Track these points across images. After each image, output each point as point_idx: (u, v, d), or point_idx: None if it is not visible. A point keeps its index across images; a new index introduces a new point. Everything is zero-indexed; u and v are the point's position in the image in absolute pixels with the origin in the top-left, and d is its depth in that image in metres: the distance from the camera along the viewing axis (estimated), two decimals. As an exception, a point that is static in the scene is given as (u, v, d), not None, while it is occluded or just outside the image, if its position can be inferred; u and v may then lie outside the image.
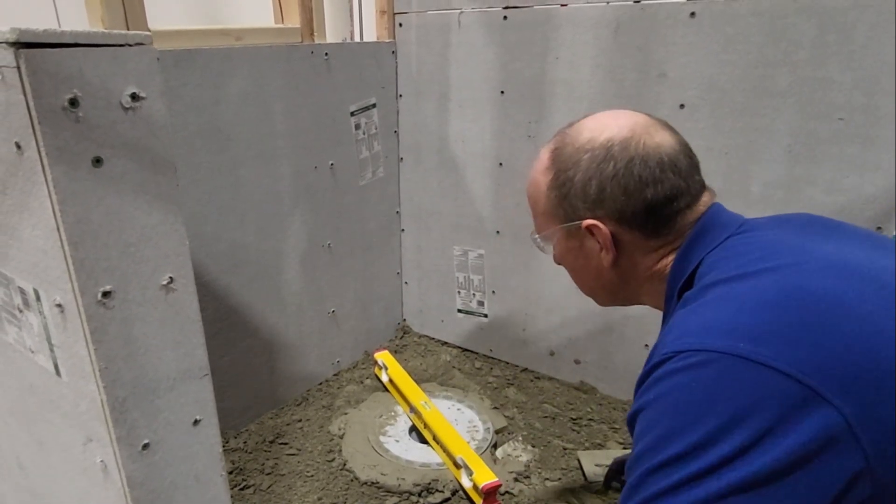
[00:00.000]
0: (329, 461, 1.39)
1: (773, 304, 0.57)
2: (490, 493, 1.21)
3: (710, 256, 0.70)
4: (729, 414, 0.53)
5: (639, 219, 0.74)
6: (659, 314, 0.86)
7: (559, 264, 0.88)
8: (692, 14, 1.25)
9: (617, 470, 1.24)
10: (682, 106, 1.32)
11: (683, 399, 0.56)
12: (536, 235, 0.86)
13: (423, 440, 1.45)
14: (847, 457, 0.51)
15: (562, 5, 1.40)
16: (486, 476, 1.22)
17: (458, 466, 1.29)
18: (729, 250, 0.69)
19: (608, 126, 0.76)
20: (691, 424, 0.54)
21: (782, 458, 0.51)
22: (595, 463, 1.34)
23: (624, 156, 0.73)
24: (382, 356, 1.71)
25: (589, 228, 0.76)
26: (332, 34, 1.94)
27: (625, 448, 1.41)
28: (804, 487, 0.51)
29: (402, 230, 1.90)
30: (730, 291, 0.61)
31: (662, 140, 0.74)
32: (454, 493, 1.28)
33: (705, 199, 0.76)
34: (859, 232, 0.73)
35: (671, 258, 0.75)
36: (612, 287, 0.83)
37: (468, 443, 1.41)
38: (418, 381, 1.69)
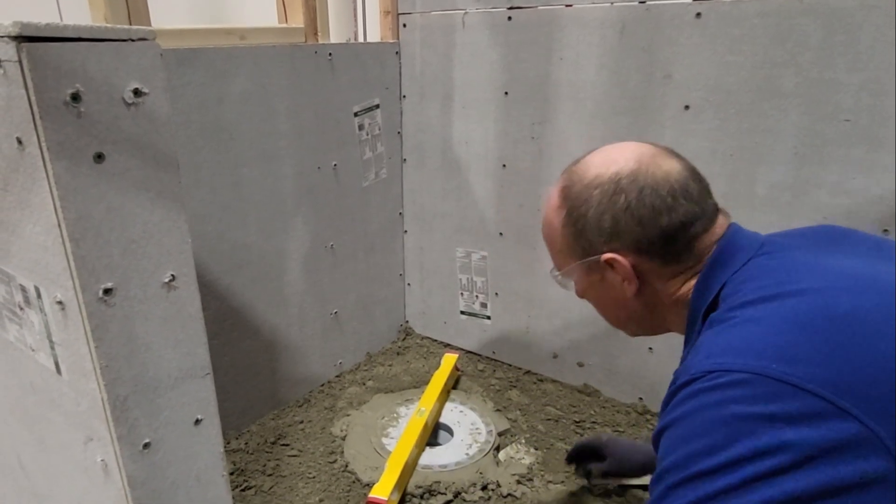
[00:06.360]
0: (331, 463, 1.39)
1: (801, 325, 0.58)
2: None
3: (734, 279, 0.70)
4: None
5: (656, 247, 0.74)
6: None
7: (583, 298, 0.88)
8: (698, 15, 1.24)
9: (581, 455, 1.26)
10: (686, 107, 1.31)
11: (713, 418, 0.56)
12: (557, 273, 0.86)
13: (428, 443, 1.44)
14: (873, 460, 0.51)
15: (566, 6, 1.39)
16: (378, 490, 1.20)
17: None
18: (752, 272, 0.69)
19: (614, 160, 0.76)
20: (724, 443, 0.54)
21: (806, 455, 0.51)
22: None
23: (634, 187, 0.73)
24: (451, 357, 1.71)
25: (608, 262, 0.76)
26: (335, 34, 1.94)
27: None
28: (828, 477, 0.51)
29: (405, 231, 1.90)
30: (757, 313, 0.62)
31: (670, 168, 0.74)
32: (456, 495, 1.27)
33: (721, 222, 0.76)
34: (879, 243, 0.73)
35: (693, 282, 0.75)
36: (638, 317, 0.83)
37: (469, 445, 1.41)
38: (420, 384, 1.68)
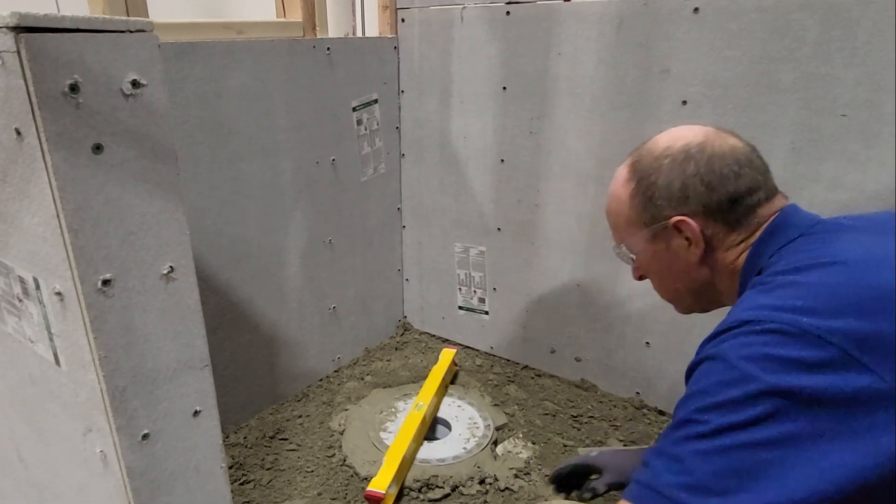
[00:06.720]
0: (329, 457, 1.39)
1: (832, 290, 0.64)
2: (370, 500, 1.21)
3: (780, 252, 0.75)
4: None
5: (723, 211, 0.79)
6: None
7: (640, 278, 0.93)
8: (696, 10, 1.25)
9: (571, 478, 1.12)
10: (684, 102, 1.31)
11: (743, 355, 0.62)
12: (622, 244, 0.90)
13: (426, 437, 1.44)
14: (885, 412, 0.56)
15: (564, 0, 1.39)
16: (376, 483, 1.21)
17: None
18: (797, 247, 0.75)
19: (683, 135, 0.82)
20: (750, 377, 0.60)
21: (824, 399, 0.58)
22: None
23: (703, 156, 0.79)
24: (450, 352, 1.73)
25: (677, 225, 0.81)
26: (333, 29, 1.94)
27: (625, 445, 1.41)
28: (848, 430, 0.57)
29: (404, 227, 1.90)
30: (793, 278, 0.69)
31: (735, 143, 0.81)
32: (454, 489, 1.28)
33: (780, 199, 0.81)
34: None
35: (747, 254, 0.80)
36: (697, 286, 0.86)
37: (467, 439, 1.42)
38: (418, 379, 1.69)
